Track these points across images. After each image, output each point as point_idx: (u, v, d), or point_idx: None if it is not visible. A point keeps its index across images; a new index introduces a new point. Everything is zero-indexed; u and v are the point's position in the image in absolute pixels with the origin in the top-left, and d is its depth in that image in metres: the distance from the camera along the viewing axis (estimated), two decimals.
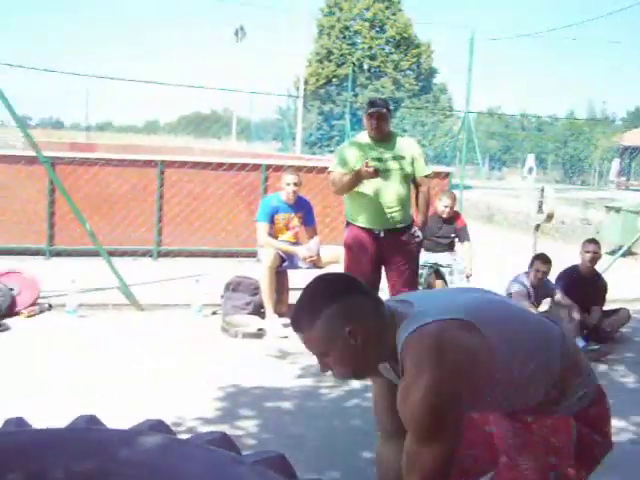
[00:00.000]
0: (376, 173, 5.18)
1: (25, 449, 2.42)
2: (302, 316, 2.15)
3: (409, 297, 2.36)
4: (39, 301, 6.82)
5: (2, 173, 9.35)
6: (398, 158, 5.43)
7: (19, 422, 2.62)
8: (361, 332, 2.12)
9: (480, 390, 2.14)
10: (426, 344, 2.07)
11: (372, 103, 5.50)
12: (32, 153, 7.64)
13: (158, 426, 2.64)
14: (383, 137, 5.45)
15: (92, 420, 2.70)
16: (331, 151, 31.36)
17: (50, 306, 6.85)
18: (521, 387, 2.21)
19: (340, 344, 2.12)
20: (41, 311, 6.71)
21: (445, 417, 2.02)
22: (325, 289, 2.19)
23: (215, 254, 9.86)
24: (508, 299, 2.67)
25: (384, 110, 5.36)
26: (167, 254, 9.88)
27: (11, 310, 6.49)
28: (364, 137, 5.55)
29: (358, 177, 5.29)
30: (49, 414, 3.28)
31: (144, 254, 9.74)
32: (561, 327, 2.49)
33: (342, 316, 2.11)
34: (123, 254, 9.14)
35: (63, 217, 9.13)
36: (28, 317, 6.51)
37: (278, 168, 9.92)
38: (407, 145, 5.56)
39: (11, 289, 6.63)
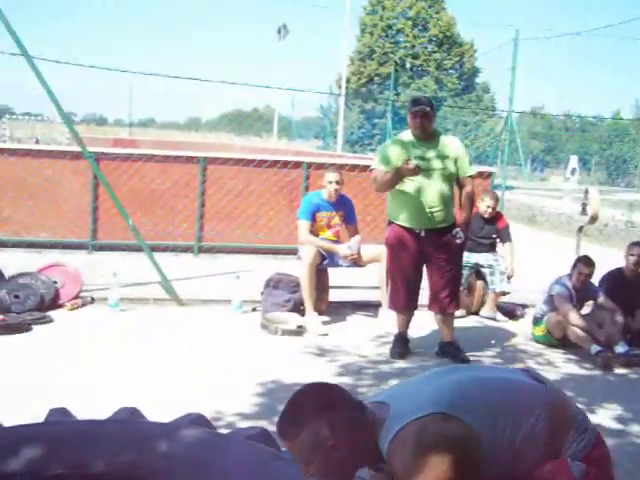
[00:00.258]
0: (417, 170, 5.16)
1: (68, 439, 2.44)
2: (287, 427, 2.20)
3: (385, 397, 2.39)
4: (82, 294, 6.90)
5: (48, 168, 9.47)
6: (441, 157, 5.39)
7: (63, 412, 2.65)
8: (344, 443, 2.17)
9: (477, 472, 2.15)
10: (409, 450, 2.11)
11: (416, 101, 5.47)
12: (77, 148, 7.73)
13: (199, 420, 2.66)
14: (427, 136, 5.42)
15: (134, 413, 2.72)
16: (372, 150, 31.32)
17: (92, 299, 6.92)
18: (516, 457, 2.21)
19: (324, 455, 2.17)
20: (84, 304, 6.78)
21: None
22: (309, 401, 2.23)
23: (256, 251, 9.89)
24: (482, 368, 2.66)
25: (428, 109, 5.33)
26: (208, 250, 9.93)
27: (55, 302, 6.58)
28: (407, 135, 5.53)
29: (399, 175, 5.28)
30: (91, 405, 3.32)
31: (185, 250, 9.80)
32: (545, 382, 2.48)
33: (325, 429, 2.16)
34: (165, 249, 9.21)
35: (106, 212, 9.23)
36: (71, 310, 6.59)
37: (320, 166, 9.92)
38: (451, 144, 5.52)
39: (55, 282, 6.72)
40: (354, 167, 10.07)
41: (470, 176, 5.57)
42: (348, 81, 38.28)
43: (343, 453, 2.17)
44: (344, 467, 2.22)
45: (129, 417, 2.70)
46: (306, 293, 6.48)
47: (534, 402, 2.29)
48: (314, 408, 2.19)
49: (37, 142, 24.33)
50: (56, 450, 2.38)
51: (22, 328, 5.86)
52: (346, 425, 2.19)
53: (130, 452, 2.41)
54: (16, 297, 6.34)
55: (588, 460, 2.25)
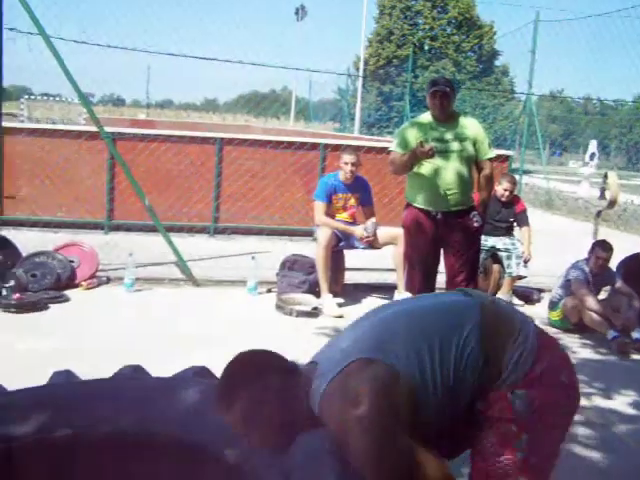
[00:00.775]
0: (432, 153, 5.11)
1: (74, 400, 2.43)
2: (222, 398, 2.15)
3: (313, 357, 2.33)
4: (98, 274, 6.92)
5: (64, 148, 9.49)
6: (460, 139, 5.34)
7: (67, 374, 2.64)
8: (279, 410, 2.12)
9: (416, 408, 2.08)
10: (335, 409, 2.05)
11: (435, 82, 5.41)
12: (94, 129, 7.73)
13: (202, 372, 2.64)
14: (446, 117, 5.37)
15: (137, 369, 2.71)
16: (389, 132, 31.18)
17: (108, 279, 6.95)
18: (452, 383, 2.11)
19: (260, 425, 2.12)
20: (99, 284, 6.80)
21: (396, 455, 2.01)
22: (244, 370, 2.18)
23: (272, 232, 9.88)
24: (407, 301, 2.52)
25: (447, 89, 5.27)
26: (224, 231, 9.94)
27: (71, 282, 6.60)
28: (426, 117, 5.48)
29: (414, 157, 5.23)
30: None
31: (201, 230, 9.81)
32: (478, 296, 2.34)
33: (261, 397, 2.11)
34: (180, 230, 9.23)
35: (122, 192, 9.25)
36: (87, 289, 6.61)
37: (337, 147, 9.87)
38: (470, 126, 5.45)
39: (71, 261, 6.74)
40: (371, 149, 10.03)
41: (489, 159, 5.51)
42: (366, 63, 38.10)
43: (279, 420, 2.12)
44: (282, 434, 2.15)
45: (133, 374, 2.69)
46: (321, 275, 6.47)
47: (461, 321, 2.16)
48: (246, 377, 2.15)
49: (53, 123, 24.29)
50: (62, 411, 2.37)
51: (39, 307, 5.89)
52: (279, 391, 2.13)
53: (137, 408, 2.40)
54: (33, 276, 6.37)
55: (531, 378, 2.11)
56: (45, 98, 27.12)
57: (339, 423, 2.04)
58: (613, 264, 6.45)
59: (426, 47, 43.97)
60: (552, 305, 6.48)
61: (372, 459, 1.99)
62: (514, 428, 2.09)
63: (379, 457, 1.99)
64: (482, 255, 6.92)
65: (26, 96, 26.59)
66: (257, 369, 2.19)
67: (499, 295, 7.26)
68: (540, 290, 7.61)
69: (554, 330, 6.32)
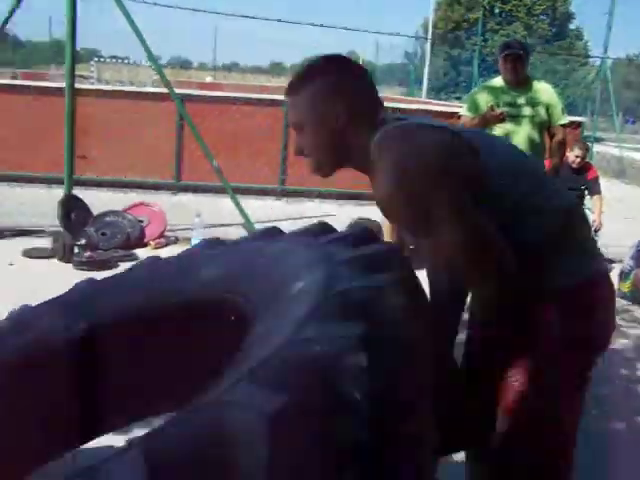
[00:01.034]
0: (503, 117, 5.02)
1: (94, 294, 2.38)
2: (297, 77, 2.00)
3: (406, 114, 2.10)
4: (166, 234, 7.02)
5: (134, 109, 9.59)
6: (532, 104, 5.22)
7: (89, 281, 2.59)
8: (346, 116, 1.92)
9: (465, 187, 1.77)
10: (393, 134, 1.84)
11: (508, 45, 5.30)
12: (163, 90, 7.79)
13: (211, 243, 2.54)
14: (518, 81, 5.25)
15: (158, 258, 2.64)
16: (457, 97, 30.74)
17: (176, 239, 7.04)
18: (511, 214, 1.83)
19: (320, 119, 1.94)
20: (167, 244, 6.90)
21: (428, 194, 1.77)
22: (332, 60, 2.02)
23: (339, 196, 9.87)
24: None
25: (521, 52, 5.16)
26: (291, 194, 9.95)
27: (140, 241, 6.72)
28: (498, 81, 5.38)
29: (484, 121, 5.14)
30: None
31: (268, 193, 9.85)
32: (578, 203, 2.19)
33: (336, 91, 1.93)
34: (248, 192, 9.27)
35: (191, 154, 9.31)
36: (155, 249, 6.71)
37: (405, 112, 9.77)
38: (543, 91, 5.33)
39: (140, 221, 6.85)
40: (440, 114, 9.91)
41: (562, 125, 5.39)
42: (435, 27, 37.50)
43: (341, 126, 1.92)
44: (335, 147, 1.98)
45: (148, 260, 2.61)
46: (387, 239, 6.44)
47: (555, 194, 1.94)
48: (334, 67, 1.98)
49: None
50: (86, 307, 2.30)
51: (109, 265, 6.01)
52: (359, 99, 1.94)
53: (156, 286, 2.31)
54: (103, 234, 6.51)
55: (569, 296, 1.84)
56: (114, 61, 27.42)
57: (382, 156, 1.86)
58: None
59: (496, 10, 43.03)
60: (623, 276, 6.34)
61: (398, 193, 1.86)
62: (542, 363, 1.85)
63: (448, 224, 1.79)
64: None
65: (96, 58, 26.94)
66: (347, 70, 2.01)
67: None
68: (611, 260, 7.43)
69: (624, 302, 6.19)
